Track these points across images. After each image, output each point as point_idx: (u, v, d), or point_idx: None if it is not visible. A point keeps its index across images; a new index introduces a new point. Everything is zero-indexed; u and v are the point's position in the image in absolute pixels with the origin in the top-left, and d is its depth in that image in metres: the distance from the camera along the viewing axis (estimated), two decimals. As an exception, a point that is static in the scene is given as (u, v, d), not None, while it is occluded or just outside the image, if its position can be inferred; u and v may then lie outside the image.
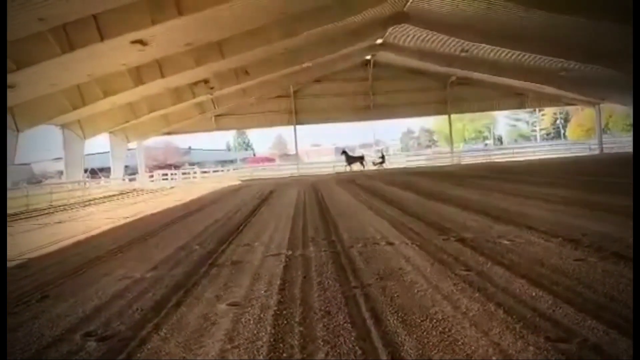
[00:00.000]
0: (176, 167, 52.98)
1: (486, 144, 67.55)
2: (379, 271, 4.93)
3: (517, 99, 40.63)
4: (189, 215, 12.58)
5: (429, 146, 74.98)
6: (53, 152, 41.60)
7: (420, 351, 2.87)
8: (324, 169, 41.01)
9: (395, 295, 4.07)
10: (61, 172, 49.46)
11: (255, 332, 3.46)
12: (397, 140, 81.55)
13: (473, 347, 2.90)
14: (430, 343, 2.99)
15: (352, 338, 3.18)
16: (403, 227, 7.72)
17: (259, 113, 38.56)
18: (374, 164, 37.51)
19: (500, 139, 73.26)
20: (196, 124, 37.03)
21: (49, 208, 18.84)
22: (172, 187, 30.19)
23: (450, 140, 45.68)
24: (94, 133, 26.80)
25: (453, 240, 6.29)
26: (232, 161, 64.76)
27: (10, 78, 14.91)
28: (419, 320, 3.41)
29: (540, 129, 72.58)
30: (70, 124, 24.24)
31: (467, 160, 41.64)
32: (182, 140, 61.64)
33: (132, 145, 34.99)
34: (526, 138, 73.35)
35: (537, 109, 54.39)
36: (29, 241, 9.56)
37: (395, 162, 44.46)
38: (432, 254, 5.57)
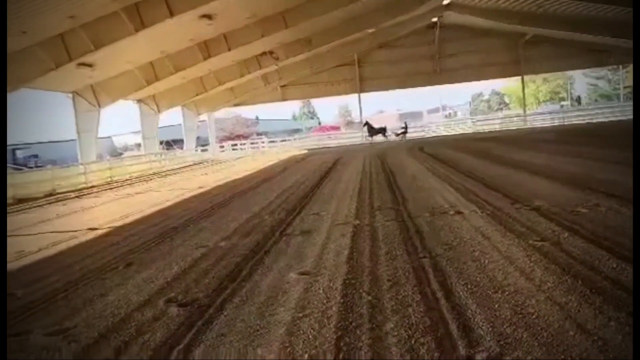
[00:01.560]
0: (244, 137, 54.27)
1: (562, 106, 63.46)
2: (447, 241, 4.87)
3: (597, 57, 37.60)
4: (258, 184, 12.92)
5: (499, 109, 71.63)
6: (131, 125, 43.99)
7: (492, 324, 2.84)
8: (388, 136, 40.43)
9: (465, 266, 4.01)
10: (139, 145, 52.29)
11: (325, 301, 3.54)
12: (465, 104, 78.73)
13: (548, 321, 2.82)
14: (503, 316, 2.93)
15: (421, 309, 3.19)
16: (472, 195, 7.53)
17: (323, 82, 38.44)
18: (396, 134, 36.07)
19: (578, 100, 68.51)
20: (262, 95, 37.62)
21: (129, 179, 20.02)
22: (241, 158, 31.06)
23: (522, 102, 43.43)
24: (168, 107, 27.92)
25: (526, 209, 6.06)
26: (298, 131, 65.33)
27: (90, 57, 15.77)
28: (490, 293, 3.35)
29: (624, 87, 67.14)
30: (146, 98, 25.38)
31: (541, 123, 39.47)
32: (249, 111, 62.95)
33: (203, 117, 36.18)
34: (608, 98, 68.21)
35: (620, 66, 50.12)
36: (113, 211, 10.25)
37: (464, 127, 43.02)
38: (503, 224, 5.41)
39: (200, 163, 28.86)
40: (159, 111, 26.90)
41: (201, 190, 12.90)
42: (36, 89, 17.46)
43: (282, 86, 37.72)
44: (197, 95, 28.22)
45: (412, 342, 2.71)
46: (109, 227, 8.08)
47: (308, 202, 8.77)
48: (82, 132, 20.08)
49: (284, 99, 40.30)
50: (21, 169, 24.94)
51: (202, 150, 35.73)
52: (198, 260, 5.18)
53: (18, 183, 15.97)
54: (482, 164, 12.40)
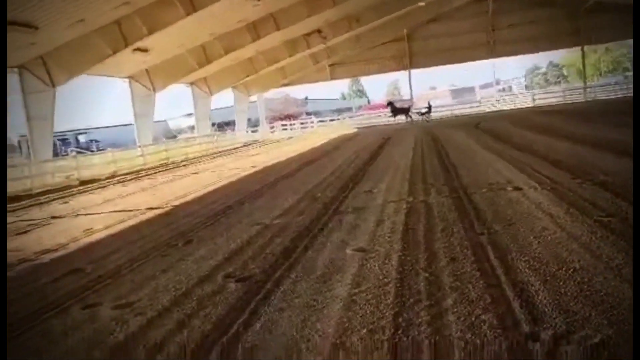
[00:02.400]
0: (294, 117, 54.48)
1: (626, 77, 59.57)
2: (506, 217, 4.73)
3: (664, 22, 34.90)
4: (310, 163, 12.99)
5: (557, 82, 68.18)
6: (184, 108, 45.06)
7: (557, 301, 2.73)
8: (440, 113, 39.47)
9: (526, 242, 3.88)
10: (192, 127, 53.60)
11: (381, 277, 3.53)
12: (520, 78, 75.47)
13: (618, 299, 2.68)
14: (568, 294, 2.82)
15: (481, 285, 3.12)
16: (529, 170, 7.26)
17: (372, 60, 37.81)
18: (420, 114, 34.42)
19: (646, 69, 63.96)
20: (311, 75, 37.52)
21: (184, 161, 20.63)
22: (291, 137, 31.29)
23: (582, 74, 41.11)
24: (219, 89, 28.41)
25: (589, 184, 5.78)
26: (347, 109, 64.88)
27: (144, 43, 16.21)
28: (554, 270, 3.23)
29: (696, 55, 62.05)
30: (198, 81, 25.91)
31: (604, 95, 37.29)
32: (298, 91, 63.09)
33: (253, 98, 36.60)
34: (682, 66, 63.18)
35: (692, 32, 46.26)
36: (171, 191, 10.59)
37: (520, 101, 41.30)
38: (565, 199, 5.18)
39: (251, 144, 29.31)
40: (210, 93, 27.44)
41: (254, 170, 13.12)
42: (95, 75, 18.16)
43: (330, 65, 37.45)
44: (247, 76, 28.54)
45: (473, 319, 2.65)
46: (168, 206, 8.37)
47: (360, 180, 8.74)
48: (139, 116, 20.82)
49: (332, 78, 40.03)
50: (84, 153, 26.19)
51: (253, 132, 36.22)
52: (254, 237, 5.28)
53: (82, 166, 16.78)
54: (542, 139, 11.90)
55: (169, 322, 3.18)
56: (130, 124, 21.35)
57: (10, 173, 14.87)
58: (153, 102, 21.55)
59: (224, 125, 40.04)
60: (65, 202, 11.01)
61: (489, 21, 36.49)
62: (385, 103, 71.06)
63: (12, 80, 14.64)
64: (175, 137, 43.91)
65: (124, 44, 15.20)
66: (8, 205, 11.50)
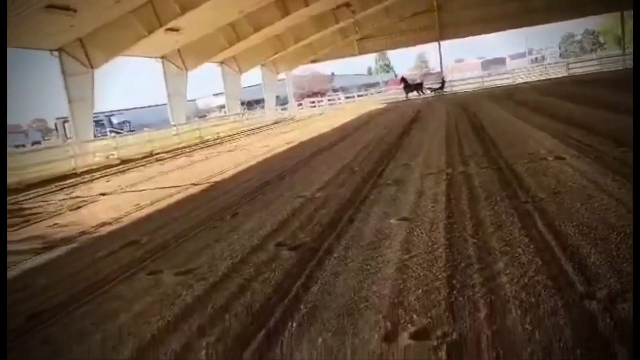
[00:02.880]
0: (321, 94, 54.26)
1: (669, 41, 56.77)
2: (550, 186, 4.75)
3: None
4: (343, 138, 13.06)
5: (593, 50, 65.64)
6: (212, 88, 45.42)
7: (610, 263, 2.80)
8: (470, 85, 38.69)
9: (573, 209, 3.92)
10: (221, 106, 54.06)
11: (429, 244, 3.64)
12: (554, 46, 72.93)
13: (672, 261, 2.73)
14: (621, 256, 2.88)
15: (531, 250, 3.20)
16: (570, 140, 7.18)
17: (401, 32, 37.17)
18: (432, 90, 33.42)
19: (690, 34, 60.96)
20: (339, 50, 37.19)
21: (217, 139, 20.96)
22: (321, 114, 31.28)
23: (621, 41, 39.50)
24: (248, 67, 28.55)
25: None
26: (374, 84, 64.21)
27: (176, 23, 16.39)
28: (604, 234, 3.28)
29: None
30: (228, 60, 26.08)
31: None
32: (325, 68, 62.67)
33: (281, 76, 36.62)
34: None
35: None
36: (209, 168, 10.85)
37: (554, 71, 40.05)
38: (610, 167, 5.15)
39: (281, 121, 29.46)
40: (240, 72, 27.60)
41: (288, 146, 13.27)
42: (129, 56, 18.49)
43: (358, 39, 37.03)
44: (275, 53, 28.56)
45: (526, 280, 2.75)
46: (208, 183, 8.63)
47: (395, 154, 8.79)
48: (172, 95, 21.17)
49: (360, 53, 39.61)
50: (120, 133, 26.80)
51: (282, 109, 36.34)
52: (298, 209, 5.45)
53: (120, 146, 17.25)
54: (580, 109, 11.64)
55: (231, 286, 3.38)
56: (158, 105, 21.72)
57: (55, 153, 15.48)
58: (185, 81, 21.87)
59: (253, 103, 40.27)
60: (108, 181, 11.42)
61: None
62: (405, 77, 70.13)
63: (53, 63, 15.10)
64: (204, 116, 44.36)
65: (158, 24, 15.42)
66: (57, 184, 12.05)
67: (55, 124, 52.86)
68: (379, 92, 44.98)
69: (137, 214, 6.62)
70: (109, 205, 7.79)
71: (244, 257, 4.00)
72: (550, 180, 4.98)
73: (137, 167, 13.78)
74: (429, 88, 34.30)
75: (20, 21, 13.02)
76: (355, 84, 65.10)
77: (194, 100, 55.41)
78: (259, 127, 25.52)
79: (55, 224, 6.80)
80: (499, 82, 37.67)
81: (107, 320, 3.08)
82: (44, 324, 3.19)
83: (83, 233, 5.83)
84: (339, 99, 43.42)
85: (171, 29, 16.85)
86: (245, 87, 37.94)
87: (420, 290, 2.83)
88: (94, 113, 49.64)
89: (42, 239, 5.91)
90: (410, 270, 3.18)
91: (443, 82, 33.82)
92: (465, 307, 2.55)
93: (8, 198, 10.70)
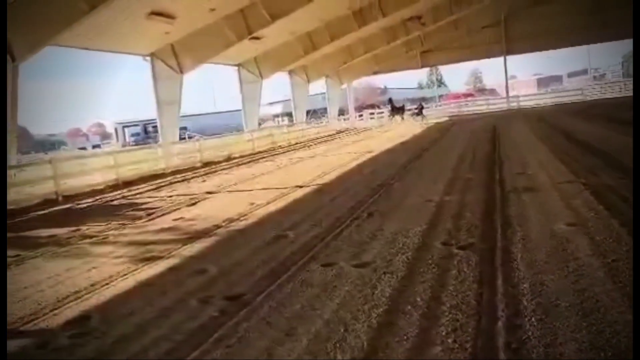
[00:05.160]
0: (375, 106, 54.22)
1: None
2: None
3: None
4: (427, 148, 12.96)
5: (660, 68, 61.92)
6: (267, 97, 45.99)
7: None
8: (534, 101, 37.63)
9: None
10: (276, 115, 54.90)
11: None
12: (616, 65, 69.80)
13: None
14: None
15: None
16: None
17: (465, 46, 36.73)
18: (411, 114, 31.69)
19: None
20: (401, 63, 37.06)
21: (289, 145, 21.29)
22: (382, 125, 31.21)
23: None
24: (317, 77, 28.92)
25: None
26: (425, 99, 63.61)
27: (260, 31, 16.84)
28: None
29: None
30: (297, 69, 26.49)
31: None
32: (377, 80, 62.73)
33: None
34: None
35: None
36: (302, 172, 10.98)
37: (615, 90, 38.15)
38: None
39: (344, 131, 29.60)
40: (308, 81, 27.99)
41: (372, 154, 13.29)
42: (213, 63, 19.09)
43: (422, 52, 36.84)
44: (344, 63, 28.82)
45: None
46: (315, 185, 8.76)
47: (500, 163, 8.67)
48: (246, 101, 21.69)
49: (423, 66, 39.42)
50: (192, 137, 27.61)
51: (345, 120, 36.52)
52: (437, 212, 5.44)
53: (197, 149, 17.72)
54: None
55: (421, 278, 3.40)
56: (215, 112, 22.12)
57: (144, 155, 16.17)
58: (260, 88, 22.38)
59: (318, 113, 40.73)
60: (204, 181, 11.78)
61: (591, 1, 34.02)
62: (467, 92, 68.75)
63: (145, 67, 15.87)
64: (259, 125, 45.03)
65: (247, 31, 15.90)
66: (152, 182, 12.54)
67: (115, 129, 55.31)
68: (438, 106, 44.48)
69: (260, 212, 6.77)
70: (223, 203, 8.02)
71: (415, 255, 4.01)
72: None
73: (222, 169, 14.15)
74: (410, 111, 32.93)
75: (118, 27, 13.74)
76: (406, 98, 64.85)
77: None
78: (325, 136, 25.73)
79: (181, 217, 7.06)
80: (566, 99, 36.56)
81: (317, 302, 3.16)
82: (250, 305, 3.29)
83: (217, 227, 6.02)
84: (422, 107, 42.98)
85: (255, 37, 17.30)
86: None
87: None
88: (153, 119, 51.48)
89: (179, 230, 6.14)
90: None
91: (422, 107, 32.49)
92: None
93: (113, 193, 11.26)
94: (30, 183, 11.62)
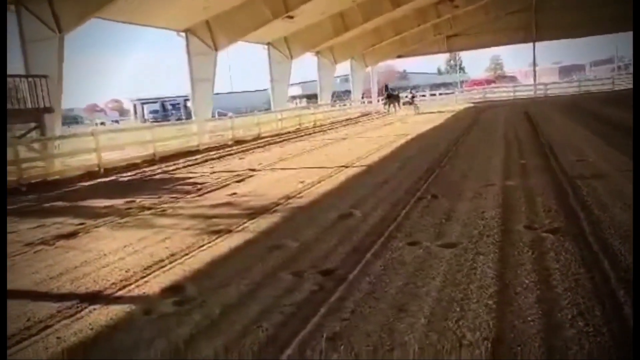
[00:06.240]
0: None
1: None
2: None
3: None
4: (468, 131, 12.77)
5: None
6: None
7: None
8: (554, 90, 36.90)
9: None
10: (293, 97, 54.41)
11: None
12: (642, 53, 67.79)
13: None
14: None
15: None
16: None
17: (491, 32, 36.01)
18: (403, 103, 29.83)
19: None
20: (427, 47, 36.43)
21: (316, 127, 21.14)
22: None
23: None
24: (343, 59, 28.57)
25: None
26: (446, 84, 62.75)
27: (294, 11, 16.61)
28: None
29: None
30: (324, 50, 26.18)
31: None
32: (397, 65, 61.96)
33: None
34: None
35: None
36: (341, 153, 10.90)
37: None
38: None
39: (367, 114, 29.34)
40: (335, 62, 27.71)
41: (407, 138, 13.11)
42: (245, 41, 18.88)
43: (448, 36, 36.22)
44: (372, 46, 28.45)
45: None
46: (360, 166, 8.69)
47: (552, 149, 8.49)
48: (275, 82, 21.51)
49: (448, 50, 38.98)
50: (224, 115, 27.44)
51: (368, 103, 36.19)
52: (504, 196, 5.35)
53: (226, 127, 17.65)
54: None
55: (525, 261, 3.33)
56: (233, 92, 21.93)
57: (176, 131, 16.20)
58: (289, 68, 22.19)
59: (342, 95, 40.52)
60: (242, 159, 11.75)
61: (626, -11, 33.06)
62: (488, 79, 67.58)
63: (179, 42, 15.77)
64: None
65: (284, 9, 15.70)
66: (188, 158, 12.57)
67: (134, 105, 55.46)
68: (450, 93, 43.55)
69: (313, 190, 6.73)
70: (270, 181, 7.99)
71: (501, 238, 3.93)
72: None
73: (255, 148, 14.09)
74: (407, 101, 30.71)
75: (154, 1, 13.64)
76: (427, 83, 64.13)
77: (265, 89, 56.37)
78: (350, 119, 25.51)
79: (233, 193, 7.04)
80: (594, 88, 35.88)
81: (417, 280, 3.12)
82: (347, 280, 3.25)
83: (276, 204, 5.98)
84: (414, 96, 42.54)
85: (288, 16, 17.09)
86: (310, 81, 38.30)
87: None
88: (173, 96, 51.43)
89: (237, 206, 6.13)
90: None
91: (413, 97, 30.01)
92: None
93: (152, 168, 11.31)
94: (71, 155, 11.74)
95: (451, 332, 2.45)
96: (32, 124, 10.56)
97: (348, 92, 41.60)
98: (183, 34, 15.80)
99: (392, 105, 27.50)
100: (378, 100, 39.99)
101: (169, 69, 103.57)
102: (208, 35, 15.74)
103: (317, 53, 26.49)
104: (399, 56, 38.71)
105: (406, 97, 29.15)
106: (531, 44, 37.99)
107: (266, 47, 21.22)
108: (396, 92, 29.49)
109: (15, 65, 10.78)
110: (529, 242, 3.74)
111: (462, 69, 77.43)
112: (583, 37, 38.95)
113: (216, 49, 16.02)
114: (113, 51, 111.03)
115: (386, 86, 30.93)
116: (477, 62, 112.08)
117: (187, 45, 15.73)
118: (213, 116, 19.36)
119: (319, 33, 21.96)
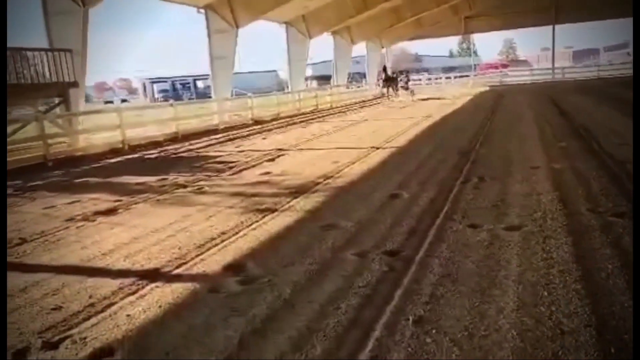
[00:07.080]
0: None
1: None
2: None
3: None
4: (494, 112, 12.53)
5: None
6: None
7: None
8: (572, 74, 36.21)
9: None
10: (306, 78, 53.73)
11: None
12: (658, 38, 66.48)
13: None
14: None
15: None
16: None
17: (511, 14, 35.25)
18: (400, 87, 28.18)
19: None
20: (443, 28, 35.76)
21: (333, 108, 20.91)
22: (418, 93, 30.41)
23: None
24: (360, 39, 28.11)
25: None
26: (458, 68, 61.92)
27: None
28: None
29: None
30: (340, 30, 25.71)
31: None
32: (411, 47, 61.13)
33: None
34: None
35: None
36: (365, 134, 10.73)
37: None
38: None
39: (380, 97, 28.93)
40: (352, 43, 27.29)
41: (432, 120, 12.89)
42: (265, 19, 18.51)
43: (466, 17, 35.54)
44: (390, 26, 27.95)
45: None
46: (391, 147, 8.51)
47: (585, 131, 8.28)
48: (293, 61, 21.20)
49: (465, 32, 38.22)
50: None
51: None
52: (555, 179, 5.18)
53: (246, 107, 17.46)
54: None
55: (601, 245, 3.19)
56: (244, 72, 21.41)
57: (196, 109, 16.05)
58: (307, 48, 21.87)
59: (357, 76, 40.13)
60: (265, 138, 11.61)
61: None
62: (502, 62, 66.60)
63: (201, 18, 15.50)
64: (283, 88, 44.46)
65: (302, -14, 15.37)
66: (210, 137, 12.45)
67: (144, 84, 55.21)
68: (464, 75, 42.81)
69: (349, 171, 6.59)
70: (301, 160, 7.86)
71: (566, 221, 3.78)
72: None
73: (276, 128, 13.95)
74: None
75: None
76: (439, 66, 63.37)
77: (275, 71, 55.73)
78: (364, 101, 25.17)
79: (268, 172, 6.92)
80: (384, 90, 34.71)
81: (491, 263, 2.99)
82: (414, 261, 3.13)
83: (315, 183, 5.85)
84: (428, 79, 42.05)
85: (305, -7, 16.75)
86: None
87: None
88: (183, 76, 51.13)
89: (275, 184, 6.02)
90: None
91: (407, 81, 27.37)
92: None
93: (175, 145, 11.21)
94: (94, 131, 11.65)
95: (546, 318, 2.32)
96: (56, 99, 10.44)
97: (358, 73, 41.18)
98: (203, 11, 15.53)
99: (390, 88, 25.81)
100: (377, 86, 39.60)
101: (182, 49, 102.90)
102: (228, 11, 15.46)
103: (334, 33, 26.05)
104: (413, 38, 38.13)
105: (400, 79, 26.97)
106: (543, 28, 37.36)
107: (284, 26, 20.88)
108: (394, 75, 27.47)
109: (36, 39, 10.65)
110: (598, 226, 3.60)
111: (474, 52, 76.47)
112: (603, 20, 38.09)
113: (237, 26, 15.75)
114: (130, 28, 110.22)
115: (384, 67, 28.60)
116: (488, 45, 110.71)
117: (207, 21, 15.46)
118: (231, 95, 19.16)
119: (338, 12, 21.56)
